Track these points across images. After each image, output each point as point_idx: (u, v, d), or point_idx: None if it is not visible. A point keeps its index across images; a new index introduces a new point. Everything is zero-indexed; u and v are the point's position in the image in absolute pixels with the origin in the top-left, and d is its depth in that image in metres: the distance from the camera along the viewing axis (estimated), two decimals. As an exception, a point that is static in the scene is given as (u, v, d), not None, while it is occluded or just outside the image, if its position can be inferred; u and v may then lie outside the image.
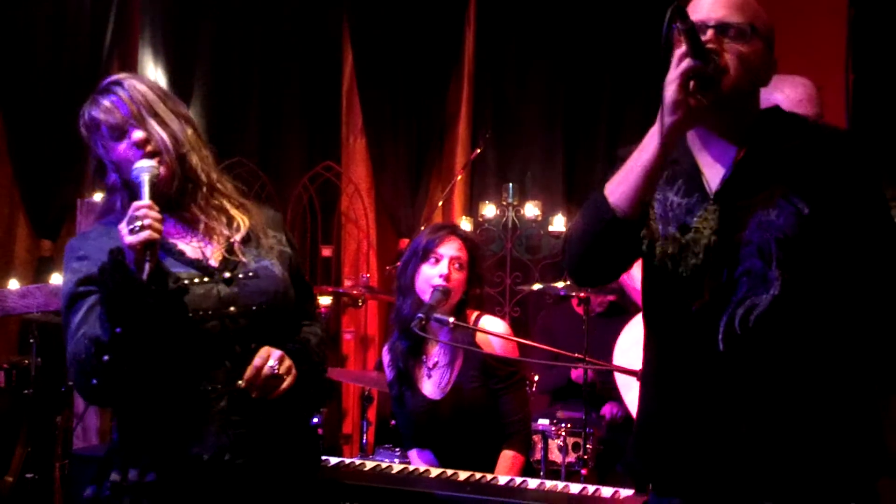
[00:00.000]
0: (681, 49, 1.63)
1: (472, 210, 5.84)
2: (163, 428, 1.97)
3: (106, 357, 1.85)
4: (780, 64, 1.83)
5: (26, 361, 4.32)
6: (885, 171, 1.94)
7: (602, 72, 5.76)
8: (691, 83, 1.61)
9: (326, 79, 6.13)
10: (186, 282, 1.96)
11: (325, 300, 5.24)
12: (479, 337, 3.03)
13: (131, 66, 5.90)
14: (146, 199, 1.89)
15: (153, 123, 2.01)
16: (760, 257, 1.66)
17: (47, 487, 4.13)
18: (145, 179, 1.93)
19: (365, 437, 4.89)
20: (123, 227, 1.85)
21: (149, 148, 1.99)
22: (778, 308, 1.64)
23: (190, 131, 2.07)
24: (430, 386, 3.07)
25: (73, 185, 5.57)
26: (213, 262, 2.03)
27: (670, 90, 1.63)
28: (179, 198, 2.06)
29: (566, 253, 1.85)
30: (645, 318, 1.88)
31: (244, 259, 2.05)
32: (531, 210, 5.59)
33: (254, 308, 2.01)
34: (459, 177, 5.68)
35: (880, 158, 1.78)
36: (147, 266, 1.83)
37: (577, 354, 3.05)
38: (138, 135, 1.99)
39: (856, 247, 1.67)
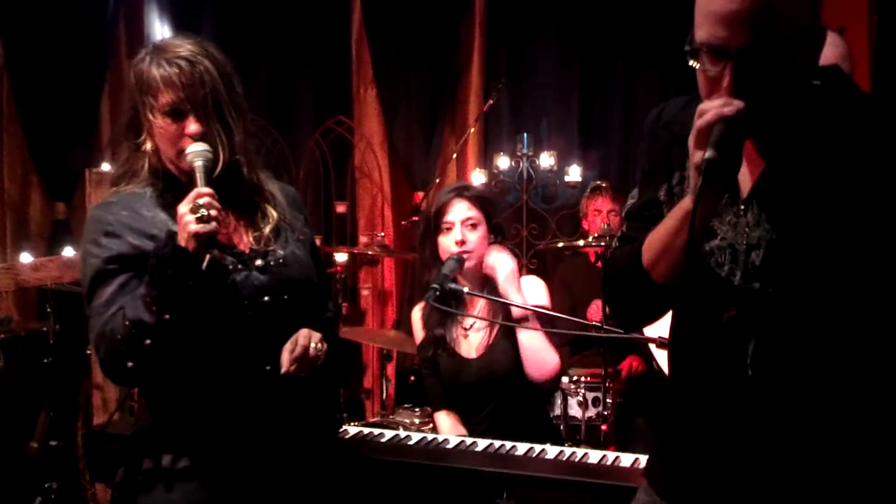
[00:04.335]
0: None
1: (486, 162, 5.76)
2: (196, 414, 1.98)
3: (148, 341, 1.84)
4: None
5: (44, 329, 4.33)
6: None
7: (617, 15, 5.61)
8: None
9: (335, 28, 6.02)
10: (231, 268, 1.96)
11: (341, 257, 5.23)
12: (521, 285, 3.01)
13: (137, 20, 5.83)
14: (206, 187, 1.86)
15: (215, 120, 1.94)
16: (794, 276, 1.49)
17: (71, 454, 4.18)
18: (200, 165, 1.89)
19: (385, 393, 4.91)
20: (185, 212, 1.82)
21: (202, 142, 1.93)
22: (815, 334, 1.48)
23: (242, 132, 2.00)
24: (467, 346, 3.07)
25: (85, 149, 5.55)
26: (243, 248, 2.02)
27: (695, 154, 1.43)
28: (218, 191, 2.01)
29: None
30: (673, 317, 1.73)
31: (272, 246, 2.04)
32: (546, 160, 5.50)
33: (285, 297, 2.01)
34: (473, 129, 5.59)
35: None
36: (207, 256, 1.83)
37: (594, 321, 3.00)
38: (194, 128, 1.93)
39: None
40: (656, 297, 1.64)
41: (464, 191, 3.09)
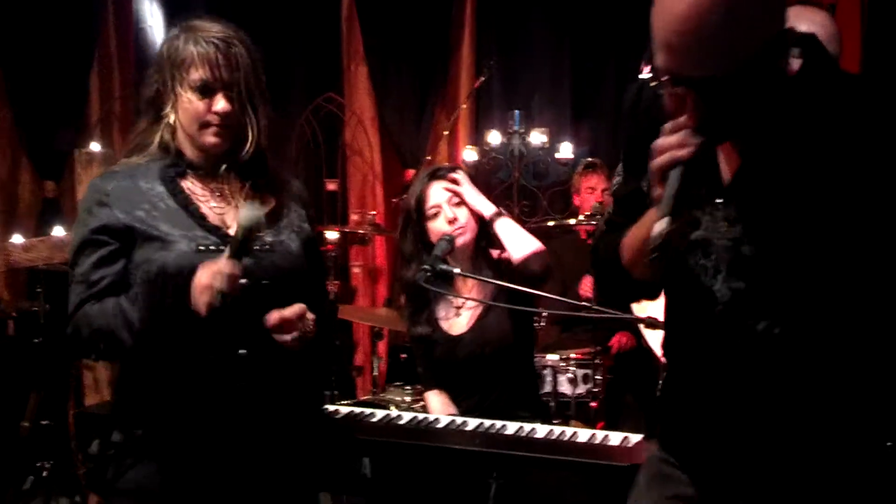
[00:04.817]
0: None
1: (477, 139, 5.74)
2: (166, 391, 1.99)
3: (114, 353, 1.94)
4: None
5: (35, 308, 4.33)
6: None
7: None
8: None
9: (325, 5, 5.98)
10: (203, 248, 1.97)
11: (332, 235, 5.22)
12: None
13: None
14: (237, 265, 1.87)
15: (245, 102, 1.99)
16: (777, 271, 1.46)
17: (62, 434, 4.18)
18: (239, 233, 1.89)
19: (376, 371, 4.92)
20: (215, 286, 1.83)
21: (225, 120, 1.98)
22: (802, 327, 1.47)
23: (265, 119, 2.05)
24: (458, 324, 3.07)
25: (74, 127, 5.51)
26: (232, 231, 2.02)
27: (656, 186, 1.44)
28: (240, 174, 2.07)
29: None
30: (667, 302, 1.71)
31: (262, 232, 2.04)
32: (538, 137, 5.49)
33: (264, 282, 2.01)
34: (464, 106, 5.56)
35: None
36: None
37: (584, 301, 3.00)
38: (223, 105, 1.97)
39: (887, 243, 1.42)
40: (641, 289, 1.68)
41: (437, 172, 3.09)
